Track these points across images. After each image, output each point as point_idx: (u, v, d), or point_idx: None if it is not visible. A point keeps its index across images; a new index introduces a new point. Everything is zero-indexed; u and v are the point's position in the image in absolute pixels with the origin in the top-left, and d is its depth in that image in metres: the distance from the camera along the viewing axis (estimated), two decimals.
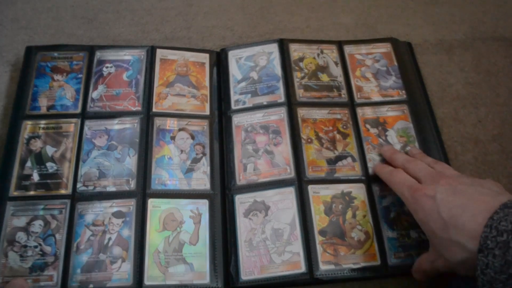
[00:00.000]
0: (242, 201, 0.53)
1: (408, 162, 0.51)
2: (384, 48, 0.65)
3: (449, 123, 0.62)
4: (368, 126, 0.59)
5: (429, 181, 0.45)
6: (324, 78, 0.62)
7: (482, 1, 0.74)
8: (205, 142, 0.57)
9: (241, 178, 0.55)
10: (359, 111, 0.60)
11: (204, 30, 0.69)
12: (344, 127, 0.58)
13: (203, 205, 0.53)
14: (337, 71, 0.62)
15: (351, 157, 0.56)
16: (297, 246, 0.51)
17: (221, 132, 0.58)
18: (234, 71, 0.62)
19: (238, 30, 0.69)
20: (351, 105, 0.60)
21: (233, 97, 0.60)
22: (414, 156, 0.54)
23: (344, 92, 0.61)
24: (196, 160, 0.56)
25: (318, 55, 0.63)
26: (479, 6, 0.74)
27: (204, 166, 0.56)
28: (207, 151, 0.57)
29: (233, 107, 0.59)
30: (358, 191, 0.54)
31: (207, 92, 0.61)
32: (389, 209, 0.53)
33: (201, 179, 0.55)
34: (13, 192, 0.52)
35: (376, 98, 0.61)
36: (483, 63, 0.68)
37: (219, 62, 0.63)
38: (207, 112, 0.59)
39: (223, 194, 0.54)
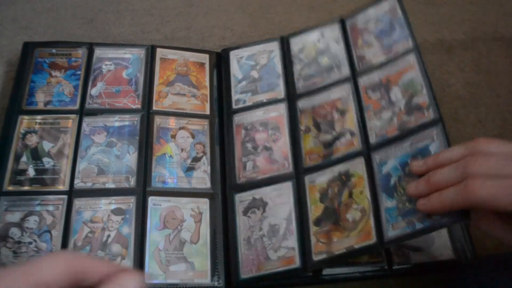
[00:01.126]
0: (241, 200, 0.53)
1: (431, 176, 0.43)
2: (387, 5, 0.59)
3: (449, 123, 0.62)
4: (369, 92, 0.55)
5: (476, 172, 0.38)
6: (325, 61, 0.60)
7: (482, 1, 0.74)
8: (206, 142, 0.57)
9: (241, 176, 0.54)
10: (361, 80, 0.56)
11: (204, 30, 0.69)
12: (344, 103, 0.56)
13: (204, 204, 0.53)
14: (337, 48, 0.60)
15: (349, 133, 0.54)
16: (292, 241, 0.50)
17: (221, 131, 0.58)
18: (235, 71, 0.62)
19: (238, 30, 0.69)
20: (353, 78, 0.57)
21: (234, 96, 0.60)
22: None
23: (345, 68, 0.58)
24: (196, 159, 0.55)
25: (319, 40, 0.61)
26: (479, 6, 0.74)
27: (204, 165, 0.55)
28: (208, 150, 0.56)
29: (234, 106, 0.59)
30: (356, 166, 0.51)
31: (207, 92, 0.61)
32: (390, 175, 0.49)
33: (202, 178, 0.54)
34: (7, 187, 0.51)
35: (380, 59, 0.56)
36: (483, 63, 0.68)
37: (219, 63, 0.63)
38: (207, 112, 0.59)
39: (223, 193, 0.54)
